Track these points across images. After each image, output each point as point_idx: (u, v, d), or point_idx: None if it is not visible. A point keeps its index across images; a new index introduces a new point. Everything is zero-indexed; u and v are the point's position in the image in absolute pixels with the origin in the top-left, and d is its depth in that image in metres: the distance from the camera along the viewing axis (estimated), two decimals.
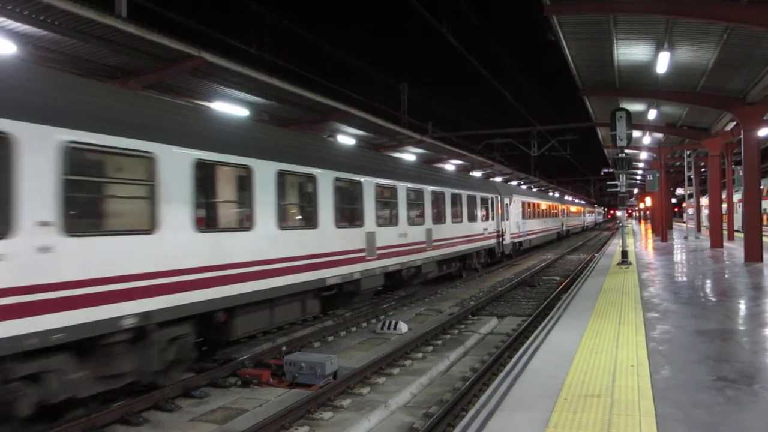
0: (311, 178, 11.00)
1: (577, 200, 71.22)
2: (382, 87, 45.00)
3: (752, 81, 16.85)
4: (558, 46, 15.38)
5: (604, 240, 47.43)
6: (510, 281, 19.85)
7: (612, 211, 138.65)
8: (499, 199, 24.89)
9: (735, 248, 23.84)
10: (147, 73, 11.73)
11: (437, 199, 17.41)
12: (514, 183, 42.32)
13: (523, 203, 30.37)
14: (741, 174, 21.18)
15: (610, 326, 8.83)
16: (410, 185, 15.38)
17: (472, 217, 20.80)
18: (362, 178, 12.77)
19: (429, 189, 16.66)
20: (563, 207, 49.43)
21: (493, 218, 23.80)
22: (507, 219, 26.04)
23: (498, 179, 37.11)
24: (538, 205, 35.64)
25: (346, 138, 20.17)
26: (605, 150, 38.01)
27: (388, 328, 11.78)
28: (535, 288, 18.43)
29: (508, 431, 4.80)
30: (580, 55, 16.43)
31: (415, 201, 15.75)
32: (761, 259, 17.77)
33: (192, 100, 13.89)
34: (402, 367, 9.27)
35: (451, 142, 28.40)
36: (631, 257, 20.52)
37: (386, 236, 13.72)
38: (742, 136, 18.53)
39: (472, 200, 20.91)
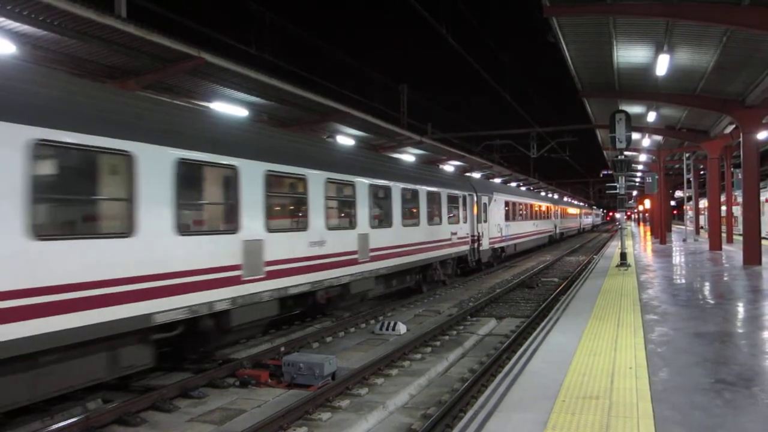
0: (125, 159, 7.19)
1: (573, 201, 71.14)
2: (381, 88, 44.80)
3: (752, 84, 16.87)
4: (558, 48, 15.39)
5: (603, 242, 47.45)
6: (509, 282, 19.86)
7: (611, 213, 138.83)
8: (474, 197, 21.23)
9: (734, 251, 23.86)
10: (146, 74, 11.72)
11: (383, 195, 13.90)
12: (513, 184, 42.32)
13: (507, 203, 27.11)
14: (740, 177, 21.21)
15: (609, 328, 8.84)
16: (333, 176, 11.70)
17: (434, 219, 17.01)
18: (239, 163, 9.11)
19: (365, 182, 12.96)
20: (557, 208, 46.93)
21: (466, 220, 20.09)
22: (485, 221, 22.58)
23: (497, 180, 37.04)
24: (526, 206, 32.47)
25: (346, 139, 20.07)
26: (604, 152, 38.07)
27: (387, 329, 11.78)
28: (533, 289, 18.43)
29: None
30: (579, 57, 16.45)
31: (343, 197, 12.34)
32: (760, 262, 17.78)
33: (191, 100, 13.89)
34: (400, 368, 9.28)
35: (451, 143, 28.40)
36: (630, 259, 20.54)
37: (285, 246, 10.10)
38: (741, 139, 18.56)
39: (434, 198, 17.06)
